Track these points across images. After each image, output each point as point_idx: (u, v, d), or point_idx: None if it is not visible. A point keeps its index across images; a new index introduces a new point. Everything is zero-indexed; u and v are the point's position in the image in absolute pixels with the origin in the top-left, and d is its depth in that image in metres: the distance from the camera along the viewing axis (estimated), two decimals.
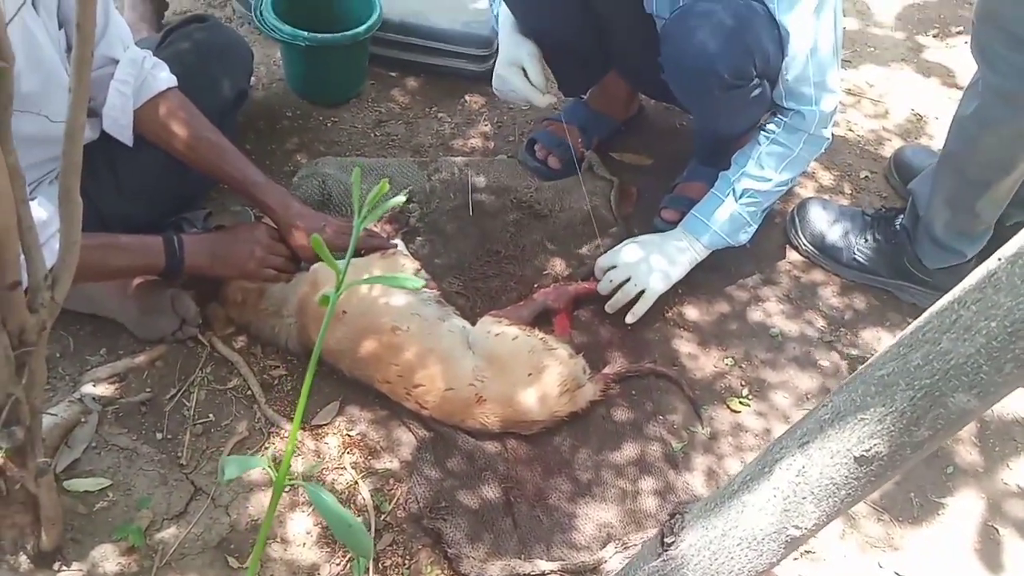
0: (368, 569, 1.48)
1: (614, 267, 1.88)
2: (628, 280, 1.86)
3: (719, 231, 1.89)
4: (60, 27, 1.51)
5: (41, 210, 1.47)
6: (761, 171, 1.84)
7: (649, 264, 1.86)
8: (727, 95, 1.75)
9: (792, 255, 2.14)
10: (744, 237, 1.93)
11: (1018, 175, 1.83)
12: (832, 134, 1.86)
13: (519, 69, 1.95)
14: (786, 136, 1.82)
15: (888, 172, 2.35)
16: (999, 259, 0.77)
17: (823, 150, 1.87)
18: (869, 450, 0.85)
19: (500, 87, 2.00)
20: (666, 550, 1.03)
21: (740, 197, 1.87)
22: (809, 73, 1.74)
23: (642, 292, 1.86)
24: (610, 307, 1.88)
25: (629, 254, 1.88)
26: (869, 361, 0.88)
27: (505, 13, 2.02)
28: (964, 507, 1.73)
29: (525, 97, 1.96)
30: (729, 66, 1.70)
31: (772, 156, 1.83)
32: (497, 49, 2.14)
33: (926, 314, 0.83)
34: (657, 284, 1.86)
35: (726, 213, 1.88)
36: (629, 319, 1.87)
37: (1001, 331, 0.76)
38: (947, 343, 0.79)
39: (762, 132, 1.85)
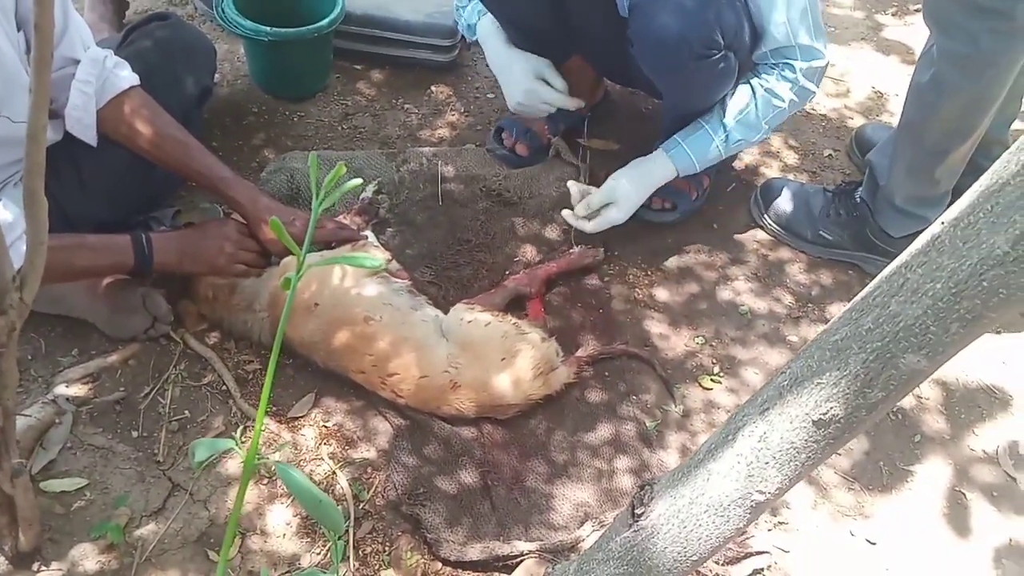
0: (348, 557, 1.50)
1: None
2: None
3: (699, 165, 1.96)
4: (19, 28, 1.50)
5: (6, 212, 1.46)
6: (757, 120, 1.89)
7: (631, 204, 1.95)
8: (696, 65, 1.78)
9: (759, 234, 2.17)
10: (708, 166, 2.00)
11: (974, 141, 1.87)
12: (817, 90, 1.90)
13: (543, 81, 2.01)
14: (779, 85, 1.86)
15: (850, 149, 2.38)
16: (942, 223, 0.79)
17: (807, 102, 1.92)
18: (826, 413, 0.87)
19: (528, 102, 2.04)
20: (636, 521, 1.06)
21: (733, 143, 1.92)
22: (792, 39, 1.80)
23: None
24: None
25: (622, 197, 1.94)
26: (824, 328, 0.91)
27: (487, 28, 2.05)
28: (932, 474, 1.76)
29: (559, 104, 2.02)
30: (697, 35, 1.74)
31: (765, 104, 1.87)
32: (462, 42, 2.15)
33: (876, 279, 0.86)
34: (623, 219, 1.96)
35: (714, 153, 1.94)
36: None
37: (946, 292, 0.78)
38: (896, 306, 0.82)
39: (755, 80, 1.89)
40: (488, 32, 2.07)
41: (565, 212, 1.98)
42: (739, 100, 1.89)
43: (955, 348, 0.82)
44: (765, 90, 1.86)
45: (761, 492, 0.94)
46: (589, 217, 1.95)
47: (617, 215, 1.94)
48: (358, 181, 0.68)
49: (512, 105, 2.06)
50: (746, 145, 1.94)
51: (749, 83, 1.89)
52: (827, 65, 1.87)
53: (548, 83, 2.02)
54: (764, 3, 1.77)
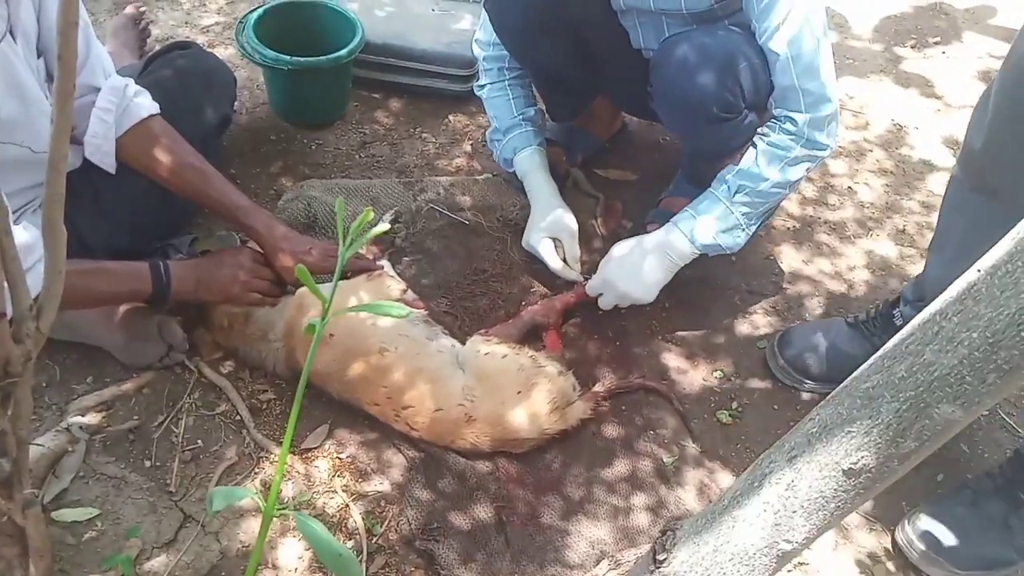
0: None
1: (601, 294, 1.88)
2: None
3: (711, 231, 1.82)
4: (39, 56, 1.51)
5: (25, 234, 1.46)
6: (757, 169, 1.77)
7: (636, 281, 1.84)
8: (716, 127, 1.77)
9: (777, 267, 2.15)
10: (734, 242, 1.84)
11: None
12: (832, 142, 1.77)
13: (554, 242, 1.98)
14: (780, 138, 1.76)
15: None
16: (978, 270, 0.77)
17: (824, 154, 1.78)
18: (857, 463, 0.85)
19: (530, 250, 2.02)
20: (658, 567, 1.03)
21: (735, 194, 1.79)
22: (795, 82, 1.72)
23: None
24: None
25: (613, 276, 1.85)
26: (854, 374, 0.89)
27: (527, 164, 2.07)
28: None
29: (555, 271, 1.98)
30: (719, 101, 1.71)
31: (766, 155, 1.76)
32: (478, 75, 2.16)
33: (909, 326, 0.84)
34: (644, 298, 1.86)
35: (719, 211, 1.81)
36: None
37: (982, 342, 0.76)
38: (930, 355, 0.80)
39: (757, 135, 1.80)
40: (527, 169, 2.08)
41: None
42: (744, 159, 1.80)
43: (992, 399, 0.79)
44: (767, 143, 1.77)
45: (788, 541, 0.92)
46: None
47: (628, 295, 1.85)
48: (385, 226, 0.67)
49: (522, 241, 2.04)
50: (757, 196, 1.79)
51: (752, 142, 1.80)
52: (835, 113, 1.76)
53: (562, 243, 1.98)
54: (776, 47, 1.71)
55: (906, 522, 1.65)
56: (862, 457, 0.85)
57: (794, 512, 0.91)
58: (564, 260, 1.98)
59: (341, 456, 1.67)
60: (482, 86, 2.14)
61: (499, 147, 2.13)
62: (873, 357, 0.86)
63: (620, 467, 1.71)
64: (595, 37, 1.94)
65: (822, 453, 0.88)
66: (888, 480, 0.87)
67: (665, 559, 1.03)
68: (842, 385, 0.89)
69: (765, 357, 1.95)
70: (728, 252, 1.87)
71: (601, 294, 1.88)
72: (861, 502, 0.90)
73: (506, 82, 2.10)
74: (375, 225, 0.63)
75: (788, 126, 1.75)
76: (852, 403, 0.86)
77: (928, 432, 0.82)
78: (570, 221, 2.00)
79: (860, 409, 0.85)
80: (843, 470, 0.86)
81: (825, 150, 1.77)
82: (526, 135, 2.09)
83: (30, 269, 1.29)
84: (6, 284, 1.02)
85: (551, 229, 1.99)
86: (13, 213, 1.56)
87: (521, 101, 2.10)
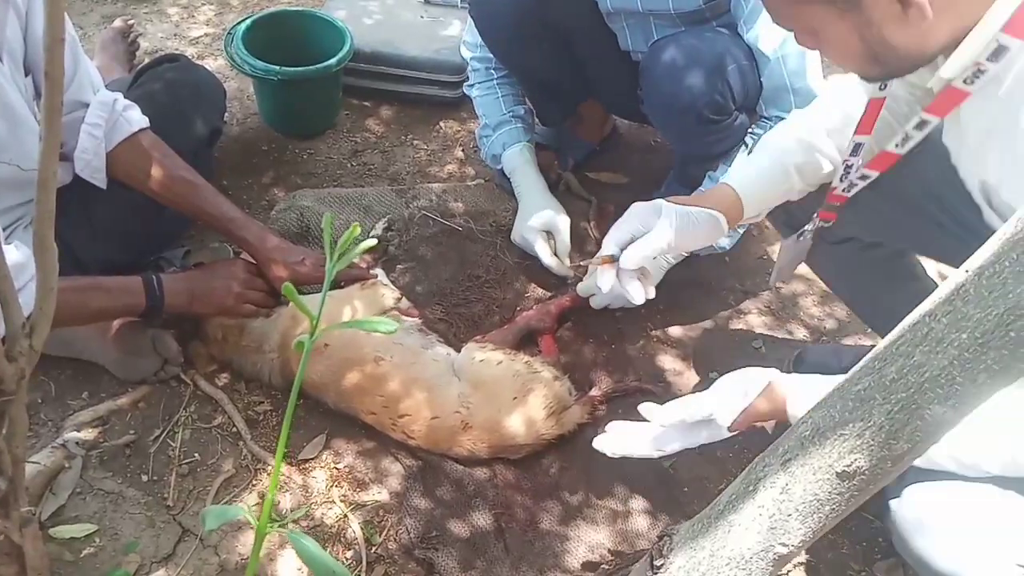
0: None
1: (593, 295, 1.90)
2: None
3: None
4: (27, 74, 1.51)
5: (17, 253, 1.46)
6: None
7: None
8: (706, 128, 1.77)
9: (770, 266, 2.15)
10: (725, 242, 1.91)
11: None
12: None
13: (546, 235, 1.98)
14: None
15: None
16: (966, 271, 0.78)
17: None
18: (850, 465, 0.85)
19: (522, 245, 2.03)
20: (656, 573, 1.03)
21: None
22: (786, 82, 1.75)
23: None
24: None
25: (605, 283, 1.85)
26: (845, 376, 0.89)
27: (516, 160, 2.06)
28: None
29: (547, 265, 1.98)
30: (709, 103, 1.72)
31: None
32: (468, 76, 2.17)
33: (898, 328, 0.84)
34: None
35: None
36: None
37: (972, 342, 0.76)
38: (920, 356, 0.80)
39: (748, 134, 1.84)
40: (516, 165, 2.08)
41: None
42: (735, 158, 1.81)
43: (982, 398, 0.80)
44: (754, 139, 1.81)
45: (784, 545, 0.92)
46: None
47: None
48: (373, 242, 0.67)
49: (512, 236, 2.05)
50: None
51: (743, 142, 1.84)
52: None
53: (553, 237, 1.99)
54: (764, 45, 1.73)
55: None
56: (855, 459, 0.85)
57: (789, 515, 0.91)
58: (555, 254, 1.98)
59: (339, 466, 1.67)
60: (471, 86, 2.15)
61: (488, 143, 2.14)
62: (864, 359, 0.87)
63: (617, 471, 1.71)
64: (581, 41, 1.94)
65: (815, 456, 0.88)
66: (882, 482, 0.87)
67: (662, 565, 1.03)
68: (834, 387, 0.90)
69: (761, 358, 1.95)
70: (718, 251, 1.89)
71: (593, 295, 1.89)
72: (856, 504, 0.90)
73: (495, 81, 2.10)
74: (364, 239, 0.63)
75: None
76: (844, 406, 0.86)
77: (920, 433, 0.82)
78: (560, 215, 2.00)
79: (852, 412, 0.85)
80: (836, 473, 0.86)
81: None
82: (515, 131, 2.10)
83: (23, 288, 1.29)
84: None
85: (541, 223, 1.99)
86: (4, 231, 1.56)
87: (510, 99, 2.11)
